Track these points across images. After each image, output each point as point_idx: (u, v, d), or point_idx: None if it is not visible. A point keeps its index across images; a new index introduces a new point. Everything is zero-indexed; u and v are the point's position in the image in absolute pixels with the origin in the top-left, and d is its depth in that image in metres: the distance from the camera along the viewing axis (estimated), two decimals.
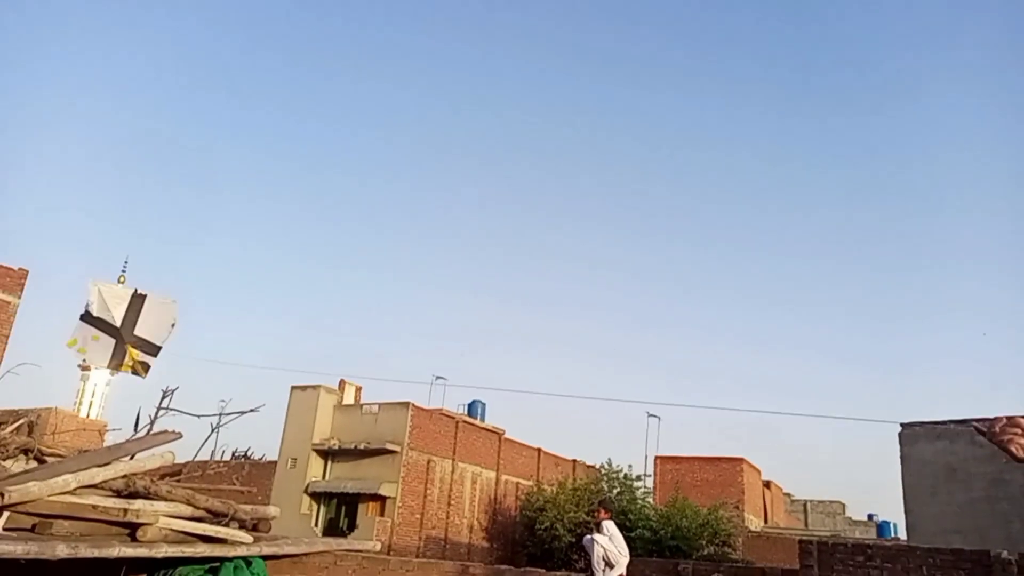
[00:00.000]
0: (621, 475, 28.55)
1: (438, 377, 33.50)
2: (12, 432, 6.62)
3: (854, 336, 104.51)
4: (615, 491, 27.91)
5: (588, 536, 10.14)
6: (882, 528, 39.95)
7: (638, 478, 29.00)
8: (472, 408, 33.54)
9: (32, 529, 5.72)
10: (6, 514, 5.54)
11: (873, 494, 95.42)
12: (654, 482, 34.83)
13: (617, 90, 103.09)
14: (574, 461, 35.38)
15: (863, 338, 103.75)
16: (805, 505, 47.27)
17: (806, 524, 44.19)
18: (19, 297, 20.47)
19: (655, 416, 35.84)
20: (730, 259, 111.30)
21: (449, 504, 28.13)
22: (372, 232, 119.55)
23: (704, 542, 25.21)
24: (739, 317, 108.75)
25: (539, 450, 33.80)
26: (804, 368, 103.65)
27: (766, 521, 39.11)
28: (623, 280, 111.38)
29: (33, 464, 6.37)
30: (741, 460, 36.58)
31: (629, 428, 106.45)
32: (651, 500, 30.02)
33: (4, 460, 6.17)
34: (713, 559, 22.92)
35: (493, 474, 30.78)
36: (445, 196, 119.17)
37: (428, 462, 27.32)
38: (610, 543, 9.73)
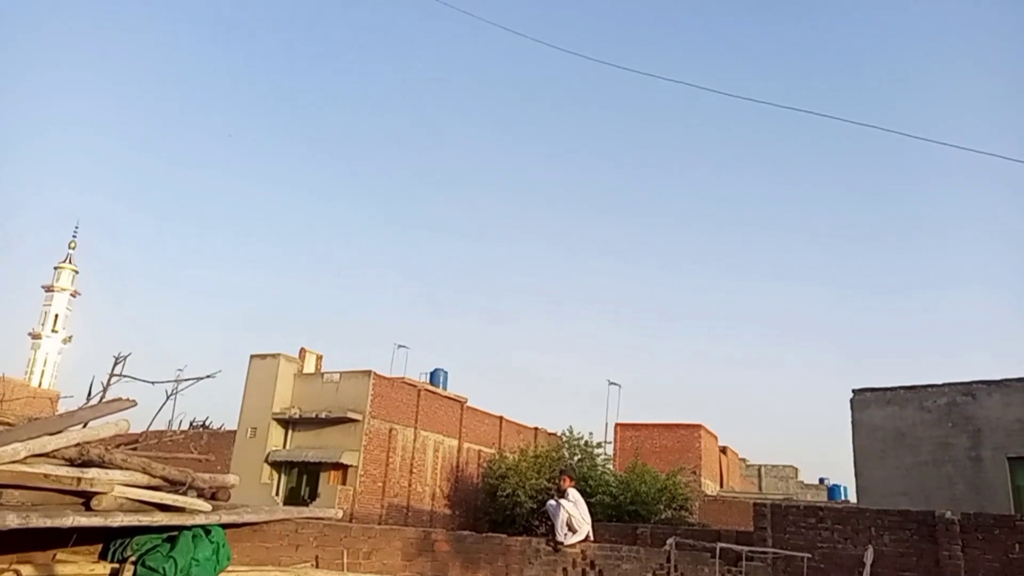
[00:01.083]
0: (582, 442, 28.94)
1: (400, 345, 33.41)
2: None
3: (810, 306, 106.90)
4: (576, 458, 28.28)
5: (552, 501, 10.28)
6: (833, 491, 41.30)
7: (599, 445, 29.44)
8: (434, 376, 33.55)
9: None
10: None
11: (826, 459, 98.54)
12: (614, 449, 35.38)
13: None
14: (535, 429, 35.72)
15: (819, 308, 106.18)
16: (759, 470, 48.54)
17: (760, 488, 45.43)
18: None
19: (616, 384, 36.33)
20: (691, 229, 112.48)
21: (411, 472, 28.24)
22: (331, 199, 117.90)
23: (662, 506, 25.77)
24: (702, 286, 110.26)
25: (501, 418, 34.02)
26: (762, 338, 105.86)
27: (722, 486, 40.10)
28: (589, 248, 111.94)
29: None
30: (699, 427, 37.34)
31: (591, 396, 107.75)
32: (611, 467, 30.53)
33: None
34: (671, 523, 23.43)
35: (455, 442, 30.93)
36: (401, 158, 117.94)
37: (390, 430, 27.33)
38: (575, 509, 9.87)
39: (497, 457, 29.59)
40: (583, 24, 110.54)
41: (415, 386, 30.10)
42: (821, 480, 47.63)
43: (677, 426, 37.41)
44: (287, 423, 27.29)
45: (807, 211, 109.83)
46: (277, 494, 26.25)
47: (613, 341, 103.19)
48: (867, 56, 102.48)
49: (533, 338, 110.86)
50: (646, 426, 37.80)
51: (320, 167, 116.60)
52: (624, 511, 24.68)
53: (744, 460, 48.55)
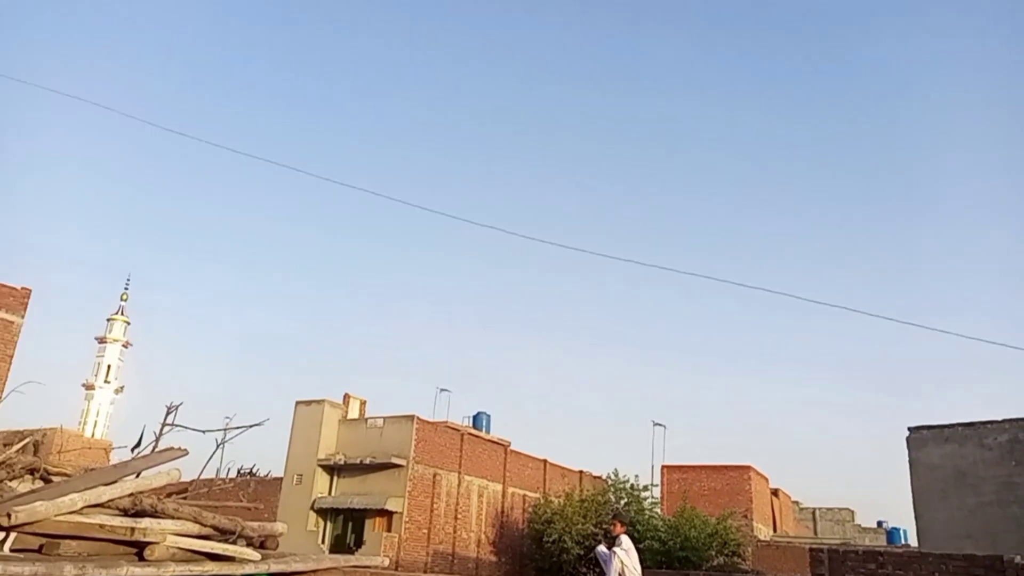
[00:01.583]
0: (628, 485, 28.39)
1: (442, 389, 33.43)
2: (18, 452, 6.58)
3: (858, 341, 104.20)
4: (623, 502, 27.75)
5: (603, 548, 10.07)
6: (892, 535, 39.67)
7: (645, 488, 28.84)
8: (477, 420, 33.43)
9: (39, 550, 5.67)
10: (13, 535, 5.49)
11: (883, 500, 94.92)
12: (661, 492, 34.61)
13: None
14: (580, 472, 35.21)
15: (867, 344, 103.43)
16: (814, 513, 46.96)
17: (815, 532, 43.92)
18: (22, 317, 20.47)
19: (660, 425, 35.71)
20: (733, 261, 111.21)
21: (456, 518, 27.97)
22: (374, 246, 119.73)
23: (713, 552, 25.04)
24: (741, 324, 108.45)
25: (545, 461, 33.63)
26: (810, 375, 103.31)
27: (775, 530, 38.87)
28: (623, 288, 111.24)
29: (39, 484, 6.32)
30: (748, 468, 36.40)
31: (634, 437, 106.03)
32: (659, 510, 29.84)
33: (10, 480, 6.12)
34: (723, 569, 22.77)
35: (499, 487, 30.62)
36: (445, 204, 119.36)
37: (434, 476, 27.20)
38: (627, 557, 9.67)
39: (542, 502, 29.17)
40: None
41: (458, 430, 30.00)
42: (879, 523, 45.83)
43: (726, 468, 36.52)
44: (332, 469, 27.37)
45: (853, 242, 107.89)
46: (323, 541, 26.22)
47: (656, 382, 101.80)
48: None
49: (572, 380, 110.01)
50: (694, 468, 36.98)
51: (365, 211, 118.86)
52: (674, 557, 24.06)
53: (797, 503, 47.05)
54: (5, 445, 7.66)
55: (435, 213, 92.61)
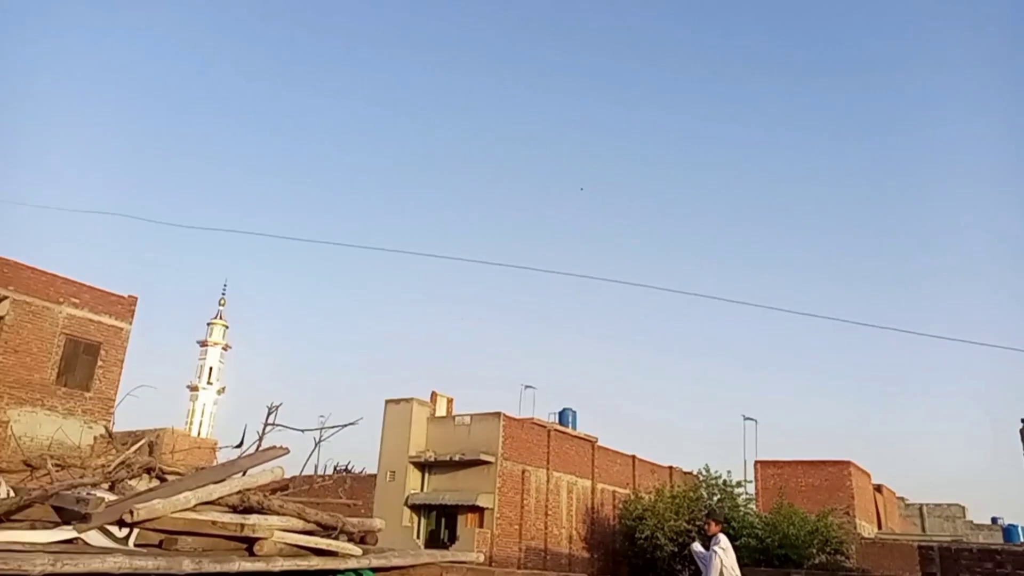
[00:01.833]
0: (720, 481, 27.75)
1: (527, 386, 33.54)
2: (135, 452, 6.94)
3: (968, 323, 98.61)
4: (716, 498, 27.14)
5: (699, 547, 9.83)
6: (1009, 532, 37.31)
7: (739, 484, 28.11)
8: (563, 416, 33.35)
9: (159, 545, 5.96)
10: (136, 531, 5.79)
11: (996, 496, 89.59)
12: (755, 488, 33.65)
13: None
14: (670, 468, 34.66)
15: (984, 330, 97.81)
16: (921, 509, 44.72)
17: (923, 529, 41.75)
18: (130, 323, 21.70)
19: (751, 419, 34.75)
20: (834, 246, 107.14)
21: (546, 514, 28.00)
22: (454, 244, 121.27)
23: (814, 550, 24.18)
24: (840, 308, 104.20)
25: (634, 457, 33.26)
26: (909, 366, 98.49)
27: (880, 527, 37.19)
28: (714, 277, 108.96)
29: (155, 482, 6.64)
30: (848, 463, 34.94)
31: (724, 432, 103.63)
32: (754, 507, 29.05)
33: (130, 479, 6.45)
34: (826, 568, 21.95)
35: (588, 483, 30.48)
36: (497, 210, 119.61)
37: (523, 472, 27.30)
38: (727, 556, 9.41)
39: (632, 498, 28.86)
40: None
41: (544, 426, 30.01)
42: (994, 520, 43.23)
43: (824, 463, 35.14)
44: (423, 466, 27.86)
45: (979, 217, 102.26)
46: (418, 536, 26.73)
47: (745, 376, 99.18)
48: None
49: (660, 376, 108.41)
50: (789, 463, 35.75)
51: (444, 216, 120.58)
52: (773, 555, 23.36)
53: (903, 499, 44.88)
54: (123, 445, 8.11)
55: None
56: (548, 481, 28.41)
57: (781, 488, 30.87)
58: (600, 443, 32.06)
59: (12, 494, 6.23)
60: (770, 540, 24.05)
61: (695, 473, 30.06)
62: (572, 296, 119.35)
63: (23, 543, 5.45)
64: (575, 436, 31.55)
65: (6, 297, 19.03)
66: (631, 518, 27.28)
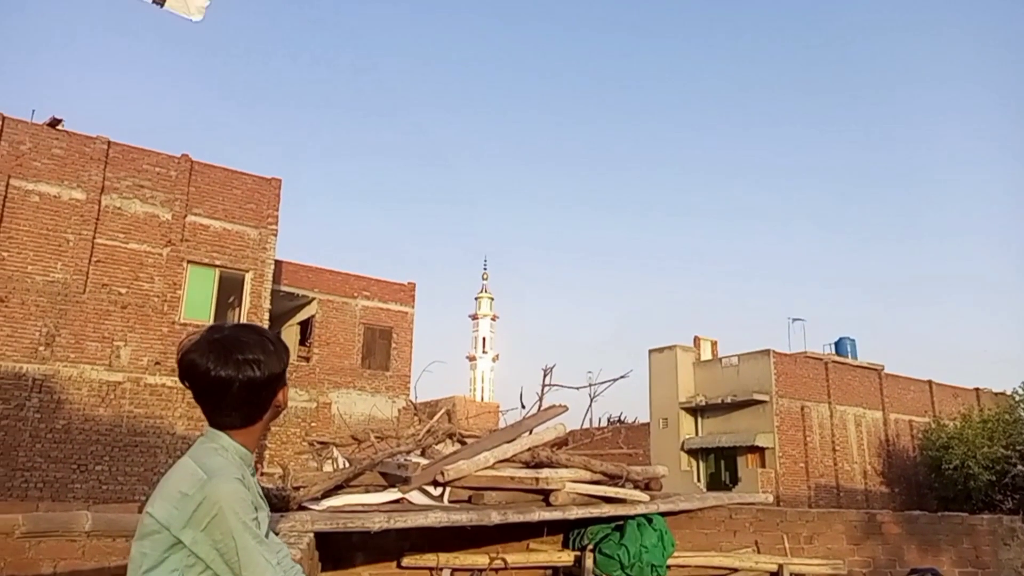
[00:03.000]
0: None
1: (795, 319, 31.83)
2: (438, 421, 7.86)
3: None
4: None
5: None
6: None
7: None
8: (840, 346, 31.12)
9: (468, 500, 6.73)
10: (448, 489, 6.59)
11: None
12: None
13: None
14: (976, 390, 30.99)
15: None
16: None
17: None
18: (413, 307, 24.18)
19: None
20: None
21: (834, 450, 26.57)
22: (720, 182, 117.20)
23: None
24: None
25: (930, 382, 30.24)
26: None
27: None
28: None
29: (457, 446, 7.46)
30: None
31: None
32: None
33: (436, 444, 7.33)
34: None
35: (879, 414, 28.33)
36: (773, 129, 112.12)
37: (802, 408, 26.11)
38: None
39: (934, 426, 26.32)
40: None
41: (820, 359, 28.33)
42: None
43: None
44: (694, 411, 27.79)
45: None
46: (698, 480, 26.84)
47: None
48: None
49: (949, 291, 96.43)
50: None
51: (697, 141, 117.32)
52: None
53: None
54: (424, 415, 9.19)
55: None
56: (831, 416, 26.87)
57: None
58: (887, 371, 29.56)
59: (348, 464, 7.40)
60: None
61: (1011, 393, 26.55)
62: (834, 222, 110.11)
63: (362, 504, 6.48)
64: (857, 366, 29.39)
65: (314, 299, 22.27)
66: (934, 448, 24.95)
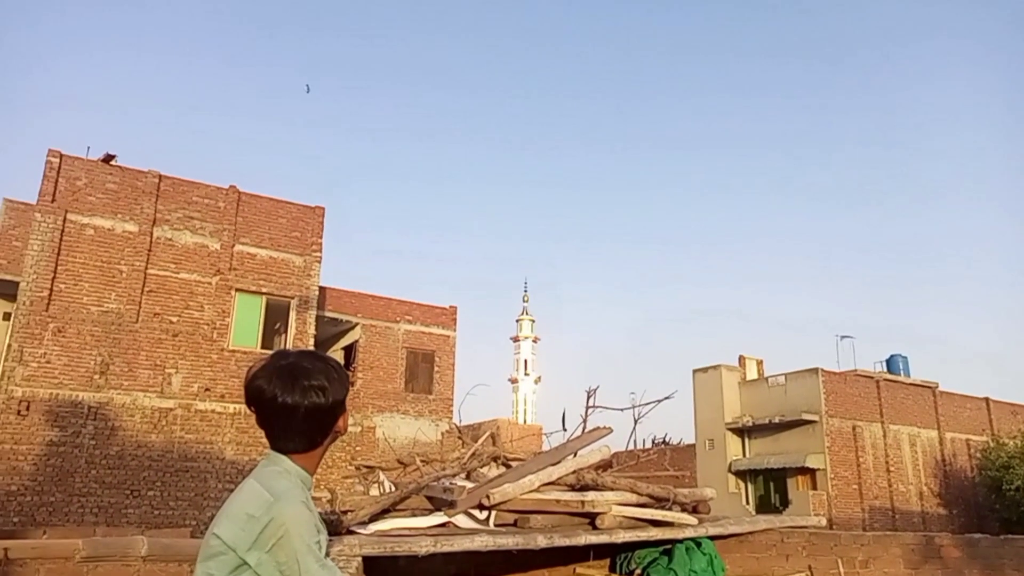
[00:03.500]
0: None
1: (843, 336, 31.16)
2: (482, 444, 7.86)
3: None
4: None
5: None
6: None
7: None
8: (892, 364, 30.32)
9: (514, 524, 6.70)
10: (494, 513, 6.58)
11: None
12: None
13: None
14: None
15: None
16: None
17: None
18: (454, 330, 24.29)
19: None
20: None
21: (888, 471, 25.78)
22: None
23: None
24: None
25: (987, 399, 29.24)
26: None
27: None
28: None
29: (501, 469, 7.45)
30: None
31: None
32: None
33: (481, 468, 7.32)
34: None
35: (934, 433, 27.45)
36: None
37: (853, 428, 25.44)
38: None
39: (993, 445, 25.42)
40: None
41: (872, 377, 27.63)
42: None
43: None
44: (741, 432, 27.26)
45: None
46: (747, 503, 26.26)
47: None
48: None
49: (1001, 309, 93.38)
50: None
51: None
52: None
53: None
54: (468, 438, 9.20)
55: None
56: (884, 436, 26.12)
57: None
58: (941, 388, 28.67)
59: (393, 488, 7.44)
60: None
61: None
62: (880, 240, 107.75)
63: (409, 528, 6.51)
64: (909, 384, 28.58)
65: (358, 323, 22.54)
66: (994, 468, 24.09)
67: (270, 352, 2.00)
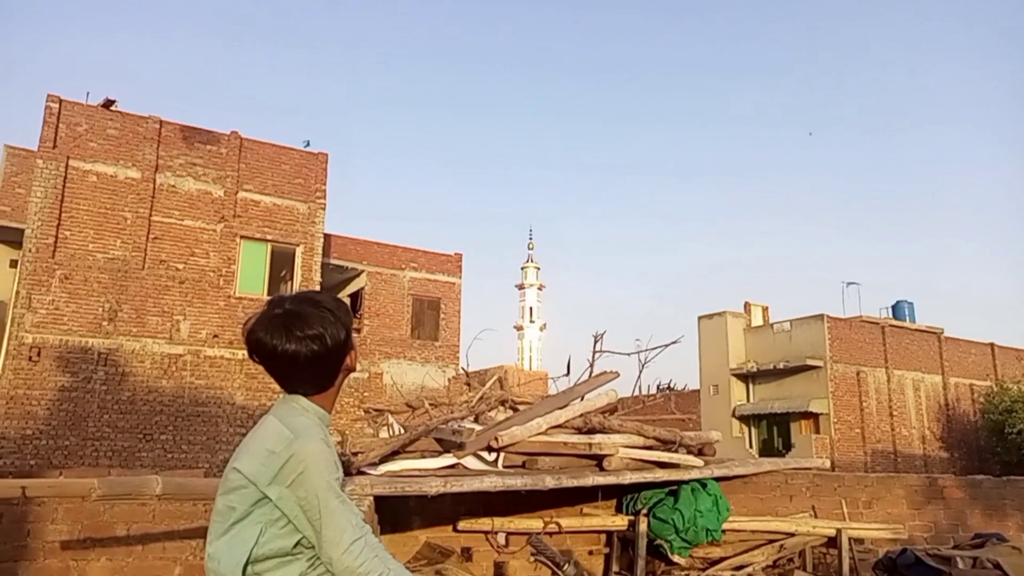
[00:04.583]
0: None
1: (849, 283, 31.11)
2: (490, 388, 7.91)
3: None
4: None
5: None
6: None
7: None
8: (897, 310, 30.31)
9: (522, 465, 6.78)
10: (502, 455, 6.65)
11: None
12: None
13: None
14: None
15: None
16: None
17: None
18: (460, 277, 24.30)
19: None
20: None
21: (891, 415, 26.04)
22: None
23: None
24: None
25: (992, 345, 29.31)
26: None
27: None
28: None
29: (509, 413, 7.51)
30: None
31: None
32: None
33: (489, 411, 7.38)
34: None
35: (938, 378, 27.61)
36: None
37: (857, 373, 25.59)
38: None
39: (996, 390, 25.58)
40: None
41: (877, 323, 27.67)
42: None
43: None
44: (745, 377, 27.47)
45: None
46: (750, 447, 26.61)
47: None
48: None
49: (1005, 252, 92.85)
50: None
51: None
52: None
53: None
54: (479, 384, 9.26)
55: None
56: (888, 381, 26.29)
57: None
58: (946, 334, 28.72)
59: (403, 431, 7.52)
60: None
61: None
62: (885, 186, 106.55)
63: (419, 469, 6.59)
64: (914, 330, 28.63)
65: (363, 271, 22.55)
66: (997, 412, 24.29)
67: None
